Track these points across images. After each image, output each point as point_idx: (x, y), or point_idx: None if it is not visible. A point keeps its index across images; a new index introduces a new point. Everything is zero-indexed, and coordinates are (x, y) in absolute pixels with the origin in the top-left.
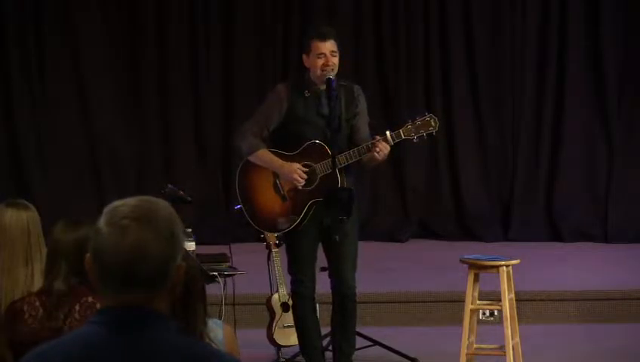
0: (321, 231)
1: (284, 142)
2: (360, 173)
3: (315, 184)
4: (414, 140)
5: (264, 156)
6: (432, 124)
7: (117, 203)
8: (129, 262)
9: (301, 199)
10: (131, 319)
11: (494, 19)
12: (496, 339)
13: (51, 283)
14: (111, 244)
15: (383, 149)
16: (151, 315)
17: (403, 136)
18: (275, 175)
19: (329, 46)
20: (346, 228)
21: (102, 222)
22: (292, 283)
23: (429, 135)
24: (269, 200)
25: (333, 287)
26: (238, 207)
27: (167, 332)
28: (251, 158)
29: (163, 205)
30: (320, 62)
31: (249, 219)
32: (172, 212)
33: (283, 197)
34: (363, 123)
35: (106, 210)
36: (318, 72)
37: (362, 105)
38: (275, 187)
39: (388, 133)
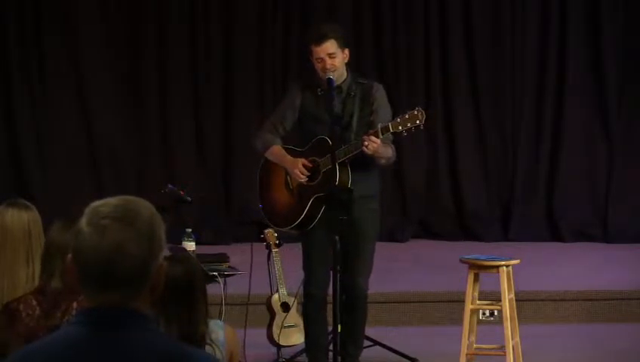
0: (334, 231)
1: (300, 138)
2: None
3: (319, 179)
4: (403, 134)
5: (276, 152)
6: (419, 117)
7: (98, 203)
8: (108, 262)
9: (306, 194)
10: (110, 319)
11: (494, 19)
12: (496, 339)
13: (47, 281)
14: (91, 244)
15: (370, 143)
16: (130, 315)
17: (391, 130)
18: (287, 171)
19: (325, 49)
20: (363, 229)
21: (83, 222)
22: (304, 281)
23: (416, 128)
24: (281, 197)
25: (344, 288)
26: (261, 206)
27: (146, 332)
28: (266, 155)
29: (144, 205)
30: (319, 66)
31: (265, 217)
32: (154, 212)
33: (291, 193)
34: (382, 119)
35: (87, 210)
36: (321, 74)
37: (379, 102)
38: (286, 183)
39: (379, 126)
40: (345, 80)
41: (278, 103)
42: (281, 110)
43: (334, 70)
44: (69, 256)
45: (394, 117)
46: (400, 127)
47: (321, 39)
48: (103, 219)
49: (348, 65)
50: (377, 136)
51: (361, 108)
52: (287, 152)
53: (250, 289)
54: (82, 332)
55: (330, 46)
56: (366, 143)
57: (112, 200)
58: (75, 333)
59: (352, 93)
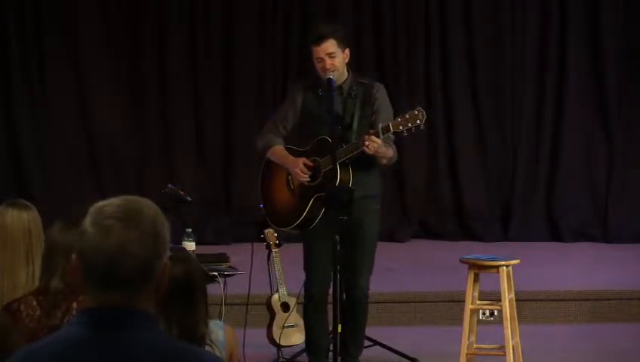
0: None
1: (301, 139)
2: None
3: (320, 179)
4: (404, 134)
5: (277, 152)
6: (420, 117)
7: (102, 203)
8: (111, 261)
9: (306, 194)
10: (112, 319)
11: (494, 19)
12: (496, 339)
13: (48, 281)
14: (94, 244)
15: (371, 143)
16: (133, 315)
17: (392, 130)
18: (288, 171)
19: (325, 49)
20: (365, 229)
21: (87, 222)
22: (304, 281)
23: (417, 128)
24: (282, 197)
25: (345, 288)
26: (262, 206)
27: (148, 332)
28: (267, 155)
29: (148, 205)
30: (319, 66)
31: (267, 217)
32: (158, 211)
33: (292, 193)
34: (384, 120)
35: (91, 210)
36: (321, 74)
37: (380, 102)
38: (287, 183)
39: (380, 125)
40: (345, 80)
41: (278, 103)
42: (283, 110)
43: (334, 70)
44: (73, 256)
45: (394, 117)
46: (400, 127)
47: (320, 39)
48: (107, 219)
49: (348, 65)
50: (378, 136)
51: (362, 108)
52: (289, 152)
53: (249, 289)
54: (84, 332)
55: (330, 46)
56: (366, 143)
57: (115, 201)
58: (77, 333)
59: (353, 94)
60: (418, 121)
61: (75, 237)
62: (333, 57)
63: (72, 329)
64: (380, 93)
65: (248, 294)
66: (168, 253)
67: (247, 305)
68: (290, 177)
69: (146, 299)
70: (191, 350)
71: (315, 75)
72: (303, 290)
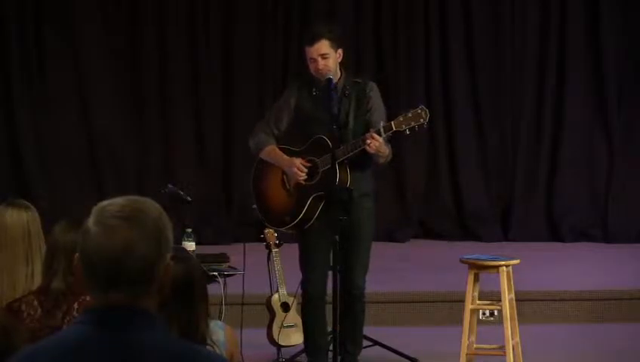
0: (334, 231)
1: (296, 138)
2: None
3: (317, 178)
4: (406, 132)
5: (271, 152)
6: (423, 115)
7: (105, 202)
8: (114, 261)
9: (304, 194)
10: (116, 318)
11: (494, 19)
12: (496, 339)
13: (50, 281)
14: (98, 243)
15: (373, 141)
16: (136, 314)
17: (394, 128)
18: (283, 171)
19: (317, 49)
20: (360, 228)
21: (90, 221)
22: (301, 281)
23: (420, 126)
24: (277, 197)
25: (343, 287)
26: (254, 206)
27: (152, 332)
28: (261, 155)
29: (152, 205)
30: (312, 66)
31: (262, 217)
32: (161, 212)
33: (289, 193)
34: (378, 119)
35: (95, 209)
36: (314, 74)
37: (374, 101)
38: (283, 183)
39: (382, 124)
40: (339, 79)
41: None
42: (276, 110)
43: (327, 71)
44: (77, 255)
45: (396, 115)
46: (403, 126)
47: (313, 40)
48: (111, 218)
49: (342, 64)
50: (379, 135)
51: (357, 107)
52: (283, 152)
53: (244, 289)
54: (87, 331)
55: (323, 47)
56: (368, 142)
57: (119, 200)
58: (80, 333)
59: (347, 93)
60: (421, 120)
61: (77, 236)
62: (326, 58)
63: (76, 328)
64: (374, 92)
65: (242, 294)
66: (171, 253)
67: (242, 305)
68: (285, 177)
69: (149, 299)
70: (196, 349)
71: (310, 75)
72: (300, 290)
